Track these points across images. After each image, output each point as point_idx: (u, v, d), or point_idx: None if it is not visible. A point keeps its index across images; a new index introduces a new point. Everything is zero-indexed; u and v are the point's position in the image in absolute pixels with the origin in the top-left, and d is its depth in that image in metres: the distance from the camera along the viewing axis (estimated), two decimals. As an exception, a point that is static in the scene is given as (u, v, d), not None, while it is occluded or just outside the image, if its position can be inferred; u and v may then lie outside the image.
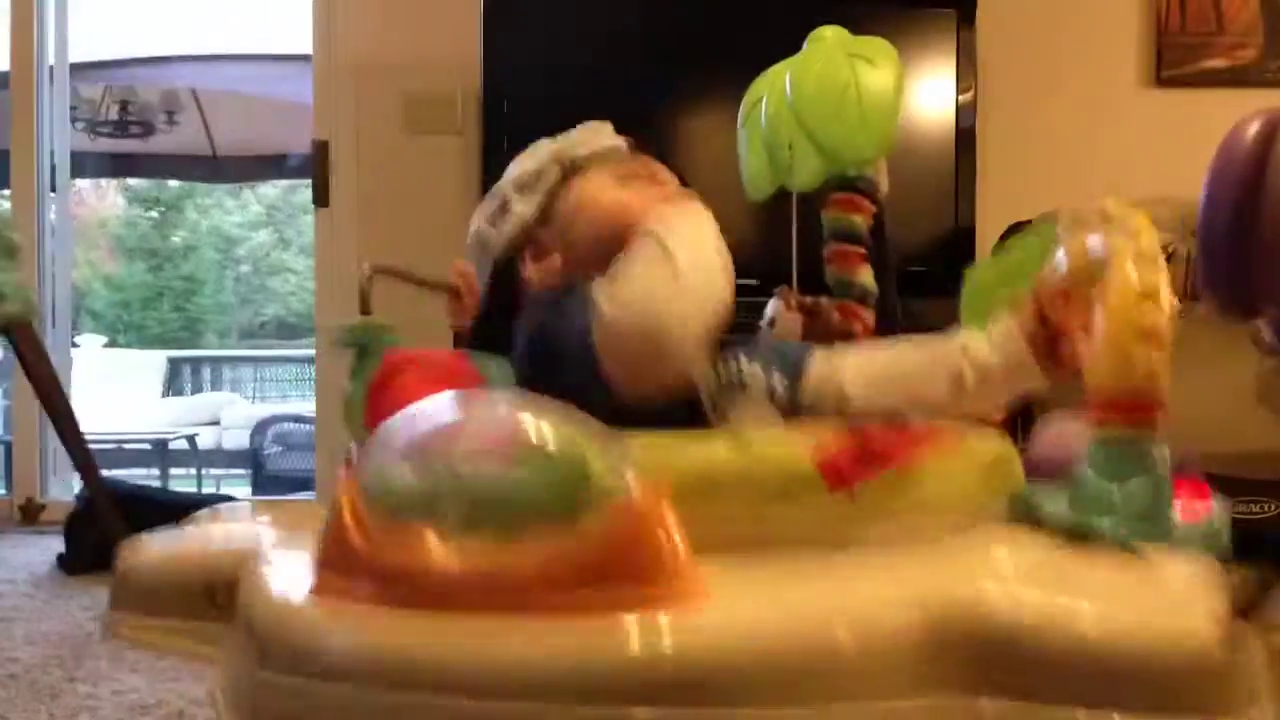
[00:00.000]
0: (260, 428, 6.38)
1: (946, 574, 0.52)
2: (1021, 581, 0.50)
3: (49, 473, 3.28)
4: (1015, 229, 2.96)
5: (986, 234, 3.00)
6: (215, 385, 9.01)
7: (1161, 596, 0.50)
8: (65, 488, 3.23)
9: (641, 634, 0.45)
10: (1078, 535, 0.57)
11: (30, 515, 3.24)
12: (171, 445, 6.00)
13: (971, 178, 3.01)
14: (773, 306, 1.10)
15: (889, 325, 1.58)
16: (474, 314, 1.11)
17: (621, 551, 0.46)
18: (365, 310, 1.14)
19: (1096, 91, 3.24)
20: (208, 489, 5.59)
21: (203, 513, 0.75)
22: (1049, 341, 0.77)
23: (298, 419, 6.29)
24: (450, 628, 0.46)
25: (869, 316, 1.34)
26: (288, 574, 0.57)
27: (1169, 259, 2.88)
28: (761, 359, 0.79)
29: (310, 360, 4.25)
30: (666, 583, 0.47)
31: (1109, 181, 3.10)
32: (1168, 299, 0.65)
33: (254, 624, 0.56)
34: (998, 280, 0.94)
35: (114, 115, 6.66)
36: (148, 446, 5.82)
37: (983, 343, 0.78)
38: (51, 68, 3.43)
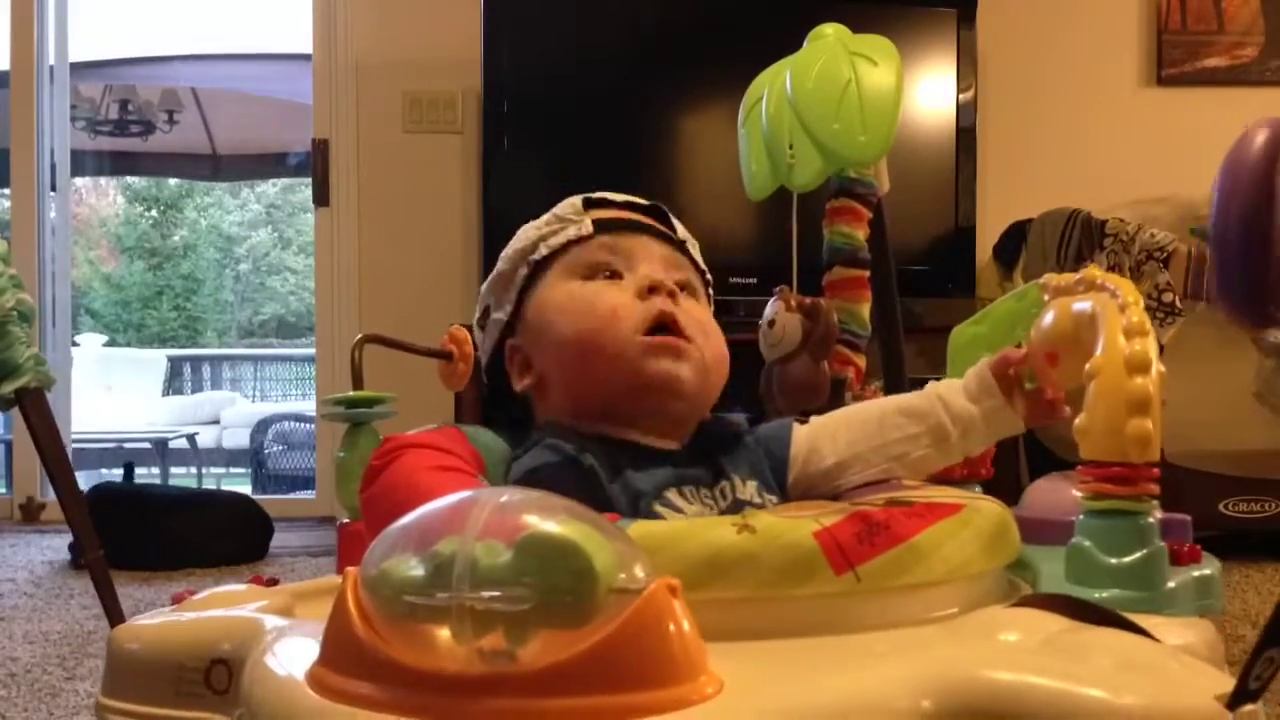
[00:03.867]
0: (261, 427, 6.38)
1: (956, 661, 0.52)
2: (1030, 668, 0.50)
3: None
4: (1015, 229, 2.97)
5: (986, 234, 3.01)
6: (215, 384, 9.02)
7: (1166, 680, 0.50)
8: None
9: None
10: (1078, 609, 0.58)
11: (30, 515, 3.24)
12: (172, 444, 6.01)
13: (971, 178, 3.01)
14: (772, 307, 1.10)
15: (890, 326, 1.58)
16: (469, 378, 1.11)
17: (635, 653, 0.45)
18: (358, 383, 1.14)
19: (1096, 91, 3.24)
20: (208, 488, 5.58)
21: (199, 595, 0.73)
22: (1031, 395, 0.78)
23: (298, 418, 6.29)
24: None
25: (861, 361, 1.35)
26: (289, 669, 0.56)
27: (1169, 259, 2.90)
28: (753, 475, 0.79)
29: (310, 359, 4.25)
30: (681, 684, 0.46)
31: (1109, 181, 3.12)
32: (1158, 370, 0.67)
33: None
34: (981, 338, 0.94)
35: (114, 114, 6.67)
36: (148, 446, 5.82)
37: (960, 394, 0.79)
38: (51, 67, 3.43)
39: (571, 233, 0.82)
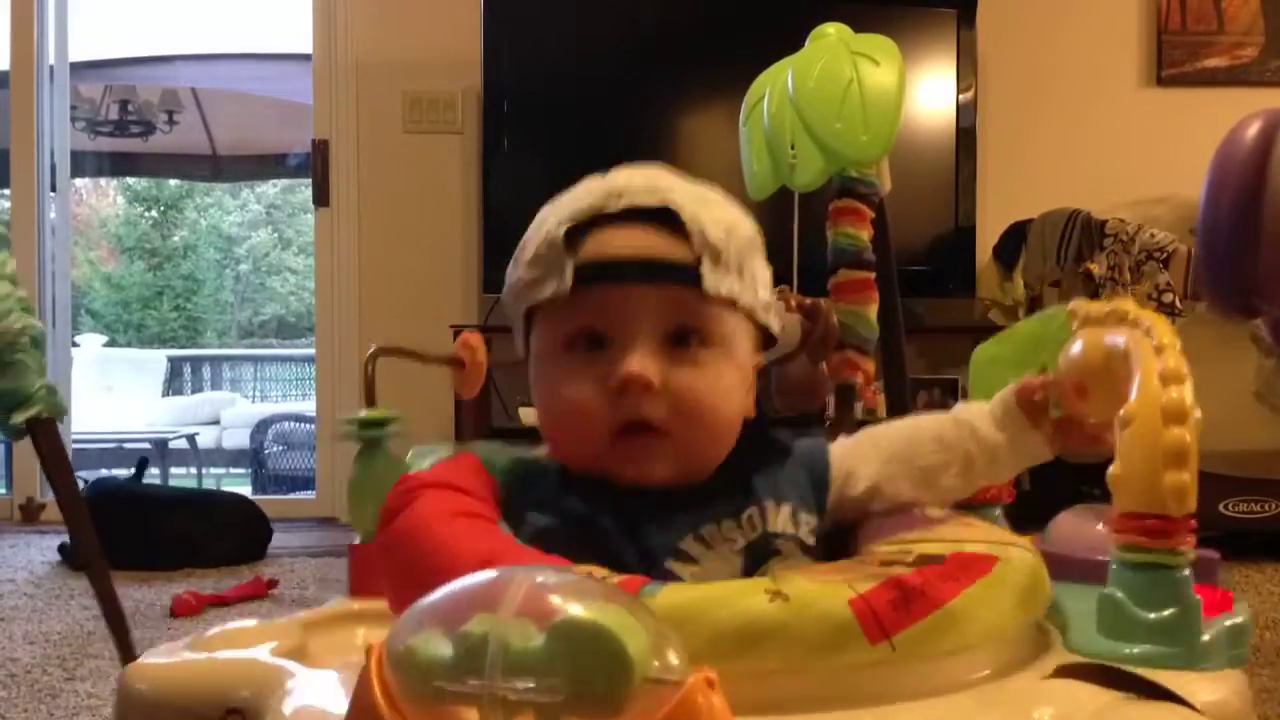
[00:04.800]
0: (261, 427, 6.38)
1: None
2: None
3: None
4: (1015, 229, 2.97)
5: (986, 234, 3.01)
6: (215, 384, 9.01)
7: None
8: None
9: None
10: (1115, 680, 0.57)
11: (30, 515, 3.24)
12: (172, 445, 6.01)
13: (972, 178, 3.01)
14: (772, 306, 1.10)
15: (891, 326, 1.58)
16: (481, 385, 1.09)
17: None
18: (370, 399, 1.13)
19: (1096, 91, 3.24)
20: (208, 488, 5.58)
21: (210, 633, 0.72)
22: (1059, 424, 0.76)
23: (298, 418, 6.28)
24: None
25: (870, 366, 1.35)
26: None
27: (1169, 259, 2.89)
28: (789, 496, 0.76)
29: (310, 359, 4.25)
30: None
31: (1109, 181, 3.12)
32: (1195, 418, 0.65)
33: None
34: (1003, 358, 0.93)
35: (114, 114, 6.67)
36: (148, 446, 5.82)
37: (988, 420, 0.78)
38: (52, 67, 3.43)
39: (549, 292, 0.73)
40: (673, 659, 0.46)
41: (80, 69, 4.68)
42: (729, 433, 0.75)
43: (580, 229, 0.73)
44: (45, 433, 1.62)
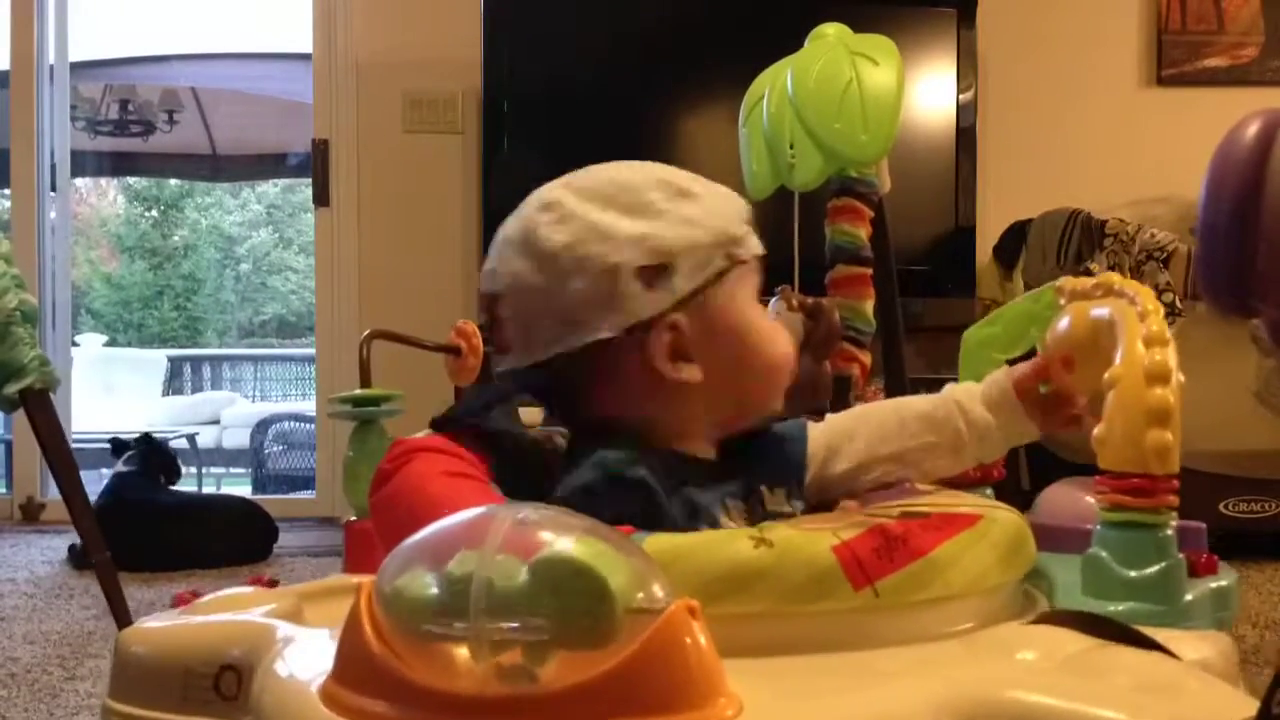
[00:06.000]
0: (261, 427, 6.37)
1: (975, 681, 0.52)
2: (1049, 689, 0.50)
3: (49, 472, 3.27)
4: (1015, 229, 2.97)
5: (986, 234, 3.00)
6: (215, 384, 9.01)
7: (1186, 702, 0.50)
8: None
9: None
10: (1096, 626, 0.58)
11: (30, 515, 3.24)
12: (172, 444, 6.00)
13: (972, 178, 3.01)
14: (774, 306, 1.10)
15: (890, 326, 1.58)
16: (477, 373, 1.09)
17: (654, 676, 0.45)
18: (365, 380, 1.13)
19: (1097, 91, 3.24)
20: (208, 488, 5.58)
21: (205, 598, 0.73)
22: (1047, 402, 0.77)
23: (298, 418, 6.28)
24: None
25: (866, 359, 1.35)
26: (301, 680, 0.55)
27: (1169, 259, 2.89)
28: (779, 480, 0.78)
29: (311, 359, 4.25)
30: (700, 706, 0.46)
31: (1109, 181, 3.11)
32: (1177, 380, 0.66)
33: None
34: (994, 339, 0.94)
35: (114, 114, 6.67)
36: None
37: (977, 400, 0.78)
38: (52, 67, 3.42)
39: (756, 247, 0.78)
40: (657, 591, 0.46)
41: (80, 69, 4.68)
42: None
43: None
44: (39, 404, 1.62)
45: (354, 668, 0.49)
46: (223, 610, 0.69)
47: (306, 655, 0.59)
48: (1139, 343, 0.68)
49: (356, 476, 1.08)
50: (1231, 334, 2.43)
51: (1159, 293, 2.63)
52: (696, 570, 0.57)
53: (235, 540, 2.59)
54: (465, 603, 0.45)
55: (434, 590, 0.46)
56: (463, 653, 0.45)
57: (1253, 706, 0.47)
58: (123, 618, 1.56)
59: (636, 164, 0.78)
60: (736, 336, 0.76)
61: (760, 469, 0.78)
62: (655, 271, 0.73)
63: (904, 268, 1.83)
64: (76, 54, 3.75)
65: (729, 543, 0.59)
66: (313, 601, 0.73)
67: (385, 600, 0.48)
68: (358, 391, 1.14)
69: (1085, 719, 0.47)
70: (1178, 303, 2.61)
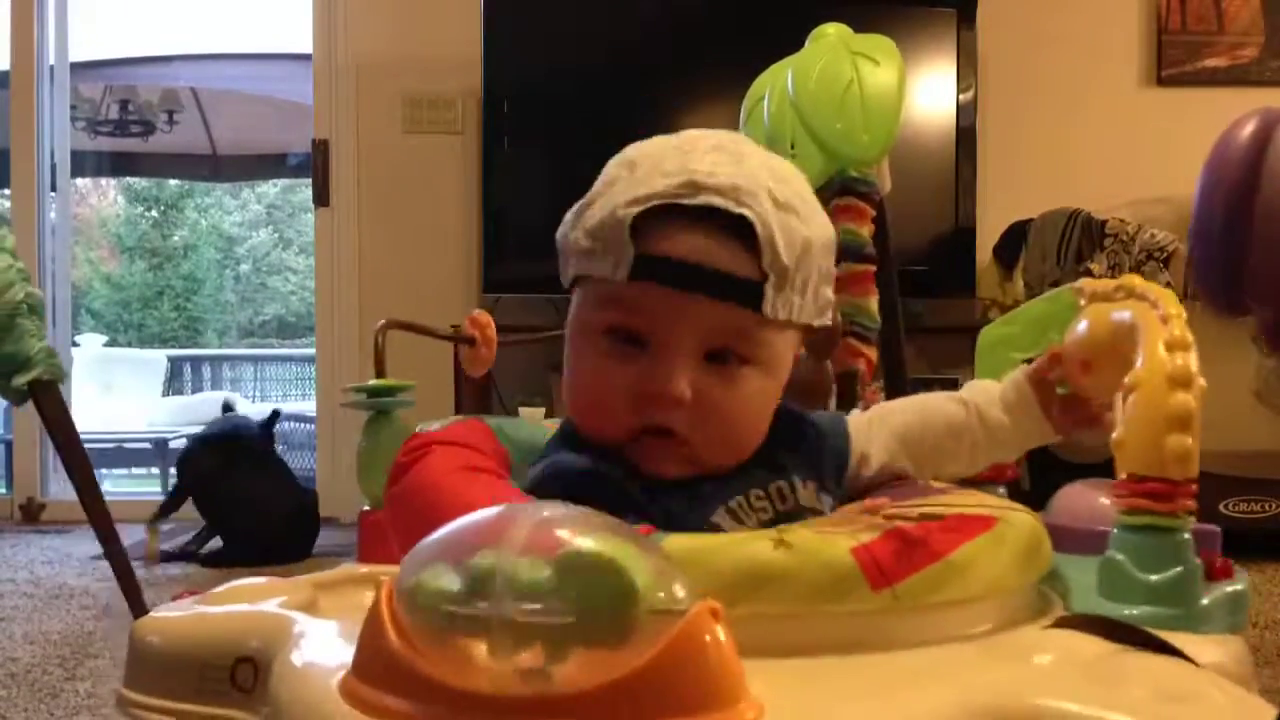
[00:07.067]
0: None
1: (993, 686, 0.52)
2: (1067, 695, 0.50)
3: (49, 472, 3.28)
4: (1015, 229, 2.97)
5: (986, 234, 3.01)
6: (216, 384, 9.01)
7: (1206, 710, 0.50)
8: (66, 487, 3.23)
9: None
10: (1115, 631, 0.58)
11: (31, 515, 3.24)
12: (172, 445, 5.99)
13: (972, 178, 3.01)
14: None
15: (891, 326, 1.58)
16: (491, 362, 1.08)
17: (676, 678, 0.44)
18: (380, 369, 1.13)
19: (1097, 91, 3.24)
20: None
21: (221, 588, 0.72)
22: (1065, 402, 0.78)
23: (298, 418, 6.28)
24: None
25: (872, 354, 1.36)
26: (319, 674, 0.55)
27: (1169, 259, 2.89)
28: (814, 474, 0.76)
29: (311, 359, 4.25)
30: (721, 710, 0.45)
31: (1109, 181, 3.11)
32: (1199, 385, 0.66)
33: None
34: (1011, 339, 0.94)
35: (114, 114, 6.67)
36: (148, 446, 5.81)
37: (995, 401, 0.79)
38: (52, 67, 3.43)
39: (604, 271, 0.69)
40: (678, 591, 0.46)
41: (80, 69, 4.68)
42: (751, 441, 0.74)
43: (640, 225, 0.68)
44: (47, 395, 1.63)
45: (374, 664, 0.49)
46: (238, 600, 0.69)
47: (323, 649, 0.58)
48: (1161, 346, 0.68)
49: (370, 467, 1.08)
50: (1231, 334, 2.43)
51: (1159, 293, 2.64)
52: (715, 570, 0.56)
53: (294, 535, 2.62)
54: (489, 587, 0.45)
55: (455, 583, 0.46)
56: (482, 650, 0.45)
57: (1271, 713, 0.47)
58: (138, 607, 1.56)
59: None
60: (566, 358, 0.76)
61: (797, 458, 0.76)
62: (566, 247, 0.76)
63: (904, 268, 1.83)
64: (76, 54, 3.75)
65: (748, 544, 0.59)
66: (329, 591, 0.73)
67: (405, 594, 0.48)
68: (373, 382, 1.14)
69: None
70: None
